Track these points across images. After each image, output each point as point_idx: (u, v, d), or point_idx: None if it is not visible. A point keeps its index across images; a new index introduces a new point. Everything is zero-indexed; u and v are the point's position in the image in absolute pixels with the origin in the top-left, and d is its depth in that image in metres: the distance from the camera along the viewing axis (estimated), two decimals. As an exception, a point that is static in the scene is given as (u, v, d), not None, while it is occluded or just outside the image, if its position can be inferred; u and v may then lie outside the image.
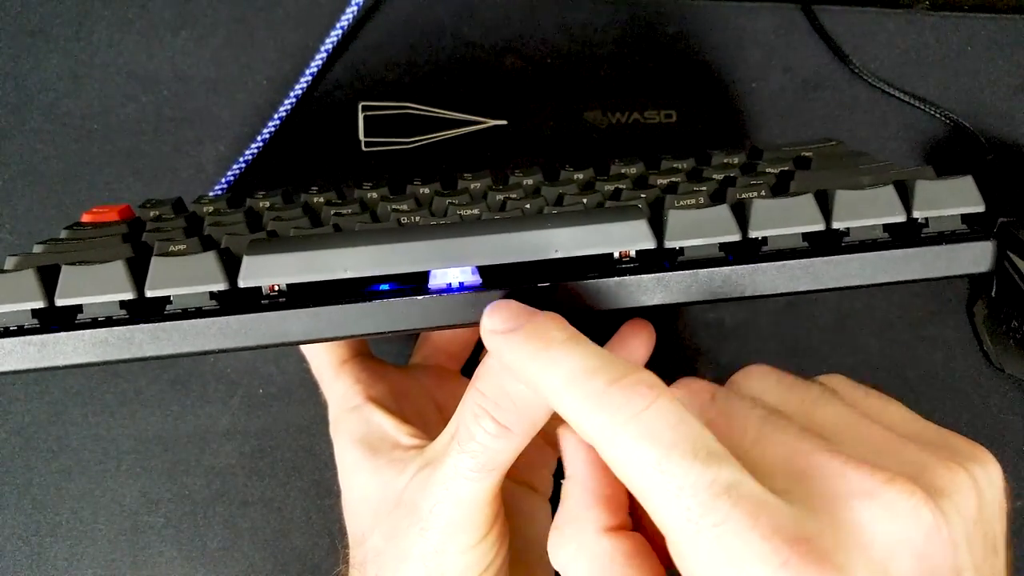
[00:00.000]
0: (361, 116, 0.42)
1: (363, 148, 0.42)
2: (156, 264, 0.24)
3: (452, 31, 0.44)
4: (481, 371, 0.25)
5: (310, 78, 0.42)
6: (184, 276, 0.23)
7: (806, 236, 0.25)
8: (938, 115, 0.45)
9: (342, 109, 0.43)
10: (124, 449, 0.39)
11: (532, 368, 0.22)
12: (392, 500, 0.28)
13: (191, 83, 0.42)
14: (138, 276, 0.24)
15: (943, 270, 0.25)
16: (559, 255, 0.24)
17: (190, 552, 0.38)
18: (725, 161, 0.32)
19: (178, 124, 0.42)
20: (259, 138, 0.41)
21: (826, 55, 0.45)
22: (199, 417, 0.39)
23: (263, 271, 0.23)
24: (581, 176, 0.32)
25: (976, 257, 0.25)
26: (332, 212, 0.30)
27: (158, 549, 0.38)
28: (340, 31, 0.42)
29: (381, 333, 0.24)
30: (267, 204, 0.32)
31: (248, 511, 0.39)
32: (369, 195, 0.32)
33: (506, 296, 0.24)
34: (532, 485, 0.36)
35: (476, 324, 0.24)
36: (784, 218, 0.24)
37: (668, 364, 0.38)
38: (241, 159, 0.41)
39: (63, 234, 0.29)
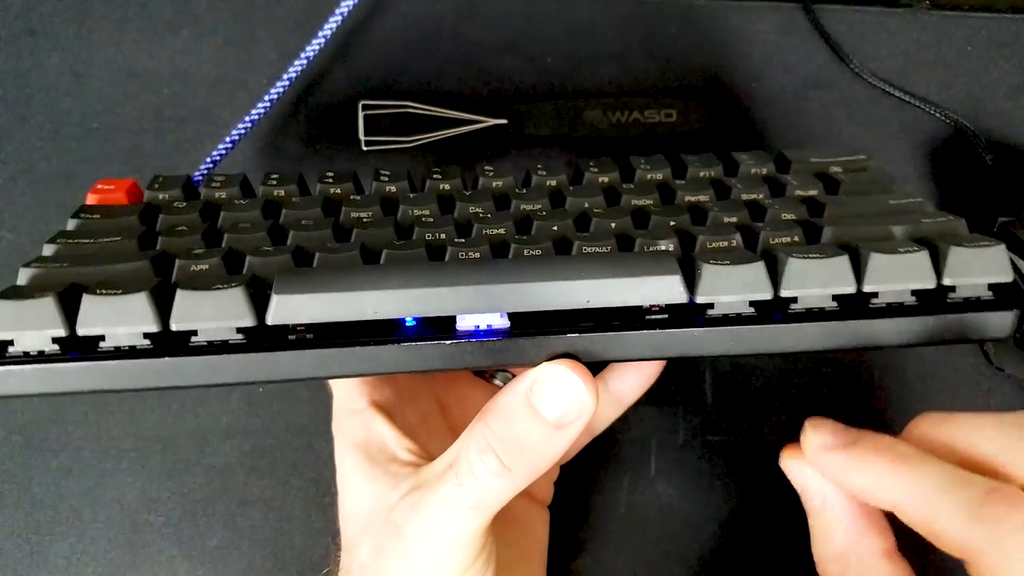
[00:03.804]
0: (361, 115, 0.42)
1: (363, 147, 0.42)
2: (182, 297, 0.23)
3: (452, 31, 0.44)
4: (494, 407, 0.25)
5: (305, 61, 0.41)
6: (211, 311, 0.23)
7: (836, 296, 0.25)
8: (938, 115, 0.45)
9: (342, 109, 0.43)
10: (124, 448, 0.39)
11: (891, 480, 0.23)
12: (382, 515, 0.28)
13: (191, 82, 0.43)
14: (162, 307, 0.23)
15: (966, 335, 0.25)
16: (590, 305, 0.24)
17: (190, 550, 0.38)
18: (753, 171, 0.32)
19: (178, 123, 0.42)
20: (245, 121, 0.40)
21: (826, 55, 0.45)
22: (199, 416, 0.39)
23: (293, 311, 0.23)
24: (606, 179, 0.32)
25: (999, 325, 0.26)
26: (353, 215, 0.29)
27: (158, 547, 0.38)
28: (340, 16, 0.41)
29: (407, 372, 0.24)
30: (282, 193, 0.31)
31: (248, 510, 0.39)
32: (388, 188, 0.32)
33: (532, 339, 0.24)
34: (531, 494, 0.35)
35: (503, 368, 0.24)
36: (816, 279, 0.24)
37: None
38: (227, 140, 0.39)
39: (72, 225, 0.28)
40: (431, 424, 0.34)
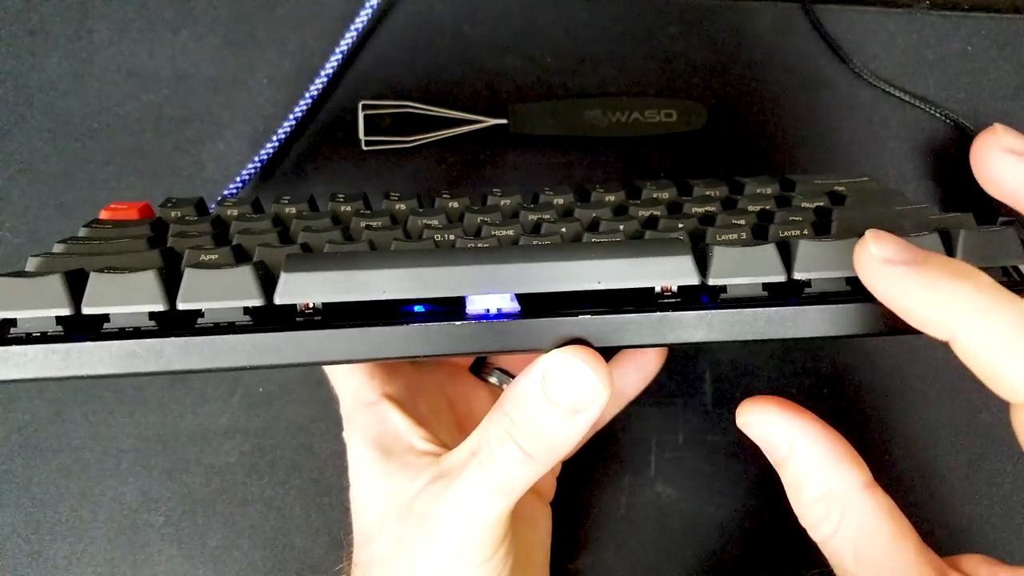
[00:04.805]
0: (361, 115, 0.42)
1: (363, 147, 0.42)
2: (189, 276, 0.23)
3: (452, 30, 0.44)
4: (511, 396, 0.25)
5: (325, 79, 0.42)
6: (219, 290, 0.23)
7: (849, 280, 0.25)
8: (938, 115, 0.45)
9: (342, 108, 0.43)
10: (124, 447, 0.39)
11: (963, 309, 0.21)
12: (402, 506, 0.28)
13: (191, 82, 0.43)
14: (170, 287, 0.23)
15: None
16: (602, 286, 0.23)
17: (190, 550, 0.38)
18: (758, 191, 0.32)
19: (178, 123, 0.42)
20: (269, 144, 0.41)
21: (826, 55, 0.45)
22: (199, 416, 0.39)
23: (301, 289, 0.23)
24: (613, 198, 0.32)
25: None
26: (363, 224, 0.29)
27: (158, 547, 0.38)
28: (355, 32, 0.41)
29: (416, 357, 0.24)
30: (293, 211, 0.31)
31: (248, 510, 0.39)
32: (397, 207, 0.32)
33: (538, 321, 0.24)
34: (536, 489, 0.36)
35: (513, 352, 0.24)
36: (829, 261, 0.24)
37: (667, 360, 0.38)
38: (250, 165, 0.40)
39: (83, 232, 0.28)
40: (441, 416, 0.34)
